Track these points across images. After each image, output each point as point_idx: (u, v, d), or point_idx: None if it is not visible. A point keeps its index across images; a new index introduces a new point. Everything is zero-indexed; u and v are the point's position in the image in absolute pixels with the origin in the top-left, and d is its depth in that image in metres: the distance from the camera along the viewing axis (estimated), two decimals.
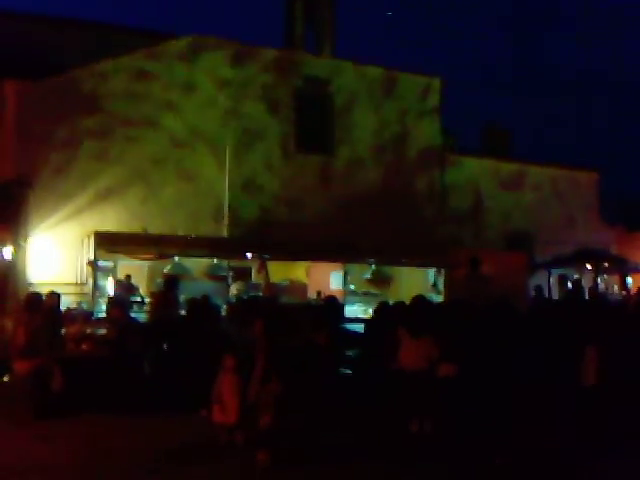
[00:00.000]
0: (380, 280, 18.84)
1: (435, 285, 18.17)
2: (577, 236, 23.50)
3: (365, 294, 18.46)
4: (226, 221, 18.60)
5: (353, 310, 16.51)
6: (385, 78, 21.99)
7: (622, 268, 22.40)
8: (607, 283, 23.31)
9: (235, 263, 16.88)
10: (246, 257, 16.08)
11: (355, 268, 18.48)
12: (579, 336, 9.23)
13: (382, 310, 11.46)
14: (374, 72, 21.84)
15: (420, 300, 10.20)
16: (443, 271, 18.40)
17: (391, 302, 13.48)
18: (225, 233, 18.44)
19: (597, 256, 20.99)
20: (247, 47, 19.69)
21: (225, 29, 66.33)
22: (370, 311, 14.48)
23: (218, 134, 18.91)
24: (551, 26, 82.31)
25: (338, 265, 18.11)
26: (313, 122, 20.73)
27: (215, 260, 16.49)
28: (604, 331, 8.90)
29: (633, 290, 20.84)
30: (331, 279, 18.76)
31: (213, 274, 16.46)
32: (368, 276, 18.67)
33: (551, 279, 21.20)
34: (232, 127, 19.14)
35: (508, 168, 24.78)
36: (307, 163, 20.37)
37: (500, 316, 11.75)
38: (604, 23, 78.61)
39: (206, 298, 12.17)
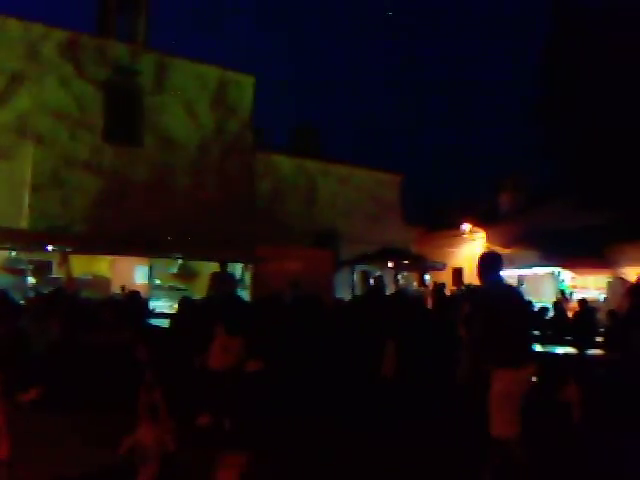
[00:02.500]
0: (186, 275, 18.67)
1: (242, 280, 18.25)
2: (380, 235, 24.53)
3: (171, 289, 18.19)
4: (26, 213, 17.57)
5: (159, 305, 16.18)
6: (196, 71, 21.79)
7: (421, 266, 23.69)
8: (407, 279, 24.56)
9: (35, 256, 16.04)
10: (47, 250, 15.28)
11: (161, 262, 18.16)
12: (379, 330, 9.60)
13: (186, 305, 11.25)
14: (185, 65, 21.58)
15: (235, 297, 10.14)
16: (250, 266, 18.56)
17: (197, 297, 13.36)
18: (25, 225, 17.40)
19: (398, 254, 22.04)
20: (47, 28, 18.75)
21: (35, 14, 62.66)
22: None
23: (21, 125, 17.86)
24: (364, 26, 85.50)
25: (143, 259, 17.70)
26: (121, 113, 20.08)
27: (13, 253, 15.56)
28: (402, 325, 9.29)
29: (431, 286, 22.07)
30: (136, 273, 18.29)
31: (11, 267, 15.55)
32: (174, 270, 18.42)
33: (355, 275, 21.99)
34: (36, 117, 18.14)
35: (316, 167, 25.44)
36: (114, 155, 19.71)
37: (307, 311, 11.99)
38: (416, 20, 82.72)
39: (3, 293, 11.37)
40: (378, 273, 20.35)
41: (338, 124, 71.60)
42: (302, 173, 25.04)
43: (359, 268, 22.05)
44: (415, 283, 24.58)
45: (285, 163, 24.73)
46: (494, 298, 6.01)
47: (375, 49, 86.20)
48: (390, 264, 21.47)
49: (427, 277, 24.15)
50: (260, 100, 23.67)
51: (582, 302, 14.44)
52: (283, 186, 24.22)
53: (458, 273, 25.62)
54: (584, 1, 15.97)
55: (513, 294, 6.37)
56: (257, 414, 8.42)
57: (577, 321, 13.71)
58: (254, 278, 18.55)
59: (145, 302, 14.20)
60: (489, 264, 6.24)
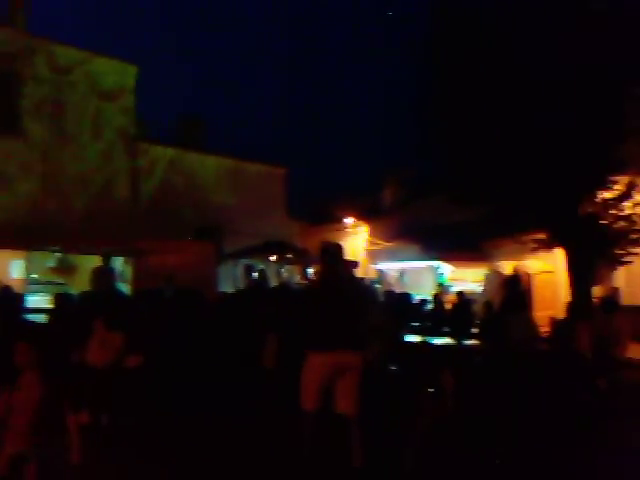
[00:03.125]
0: (65, 269, 17.97)
1: (122, 274, 17.73)
2: (264, 228, 24.45)
3: (49, 283, 17.45)
4: None
5: (35, 300, 15.44)
6: (79, 58, 21.01)
7: (304, 259, 23.76)
8: (290, 273, 24.59)
9: None
10: None
11: (38, 256, 17.39)
12: (261, 322, 9.54)
13: (63, 300, 10.77)
14: (66, 51, 20.77)
15: (114, 291, 9.76)
16: (130, 260, 18.07)
17: (76, 291, 12.84)
18: None
19: (281, 247, 22.02)
20: None
21: None
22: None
23: None
24: (252, 20, 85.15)
25: (19, 253, 16.88)
26: None
27: None
28: (284, 317, 9.25)
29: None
30: (11, 267, 17.41)
31: None
32: (52, 264, 17.68)
33: (238, 269, 21.77)
34: None
35: (199, 159, 25.07)
36: None
37: (186, 305, 11.78)
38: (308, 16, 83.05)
39: None
40: (261, 266, 20.25)
41: (225, 117, 70.96)
42: (185, 165, 24.60)
43: (242, 261, 21.86)
44: (298, 276, 24.65)
45: (168, 154, 24.20)
46: (315, 286, 6.71)
47: (263, 42, 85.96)
48: (273, 257, 21.42)
49: (310, 270, 24.25)
50: (147, 92, 23.14)
51: (459, 294, 14.88)
52: (166, 178, 23.70)
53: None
54: (463, 1, 16.40)
55: (340, 283, 6.51)
56: (139, 409, 8.22)
57: (454, 313, 14.10)
58: (135, 272, 18.04)
59: (19, 297, 13.50)
60: (322, 254, 6.57)
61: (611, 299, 11.86)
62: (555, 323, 10.43)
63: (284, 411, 7.44)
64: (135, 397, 8.90)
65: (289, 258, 22.67)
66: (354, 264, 23.52)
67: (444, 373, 6.73)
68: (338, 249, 6.66)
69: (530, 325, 9.41)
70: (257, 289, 14.05)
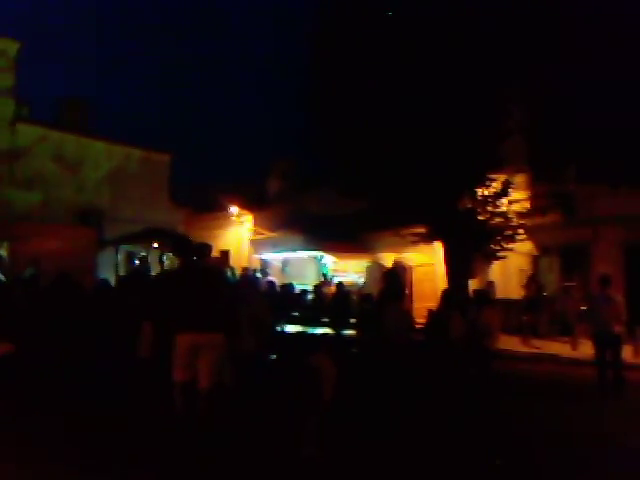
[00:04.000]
0: None
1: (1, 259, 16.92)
2: (148, 215, 23.90)
3: None
4: None
5: None
6: None
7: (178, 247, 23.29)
8: (172, 261, 24.11)
9: None
10: None
11: None
12: (137, 311, 9.31)
13: None
14: None
15: None
16: (6, 245, 17.27)
17: None
18: None
19: (164, 235, 21.59)
20: None
21: None
22: None
23: None
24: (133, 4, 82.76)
25: None
26: None
27: None
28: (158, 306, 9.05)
29: None
30: None
31: None
32: None
33: (119, 256, 21.22)
34: None
35: (81, 143, 24.21)
36: None
37: (61, 292, 11.35)
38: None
39: None
40: (143, 253, 19.81)
41: (112, 102, 68.91)
42: (66, 148, 23.66)
43: (124, 248, 21.29)
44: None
45: (49, 137, 23.18)
46: (173, 275, 7.89)
47: (146, 27, 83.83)
48: (155, 244, 20.97)
49: (165, 258, 23.84)
50: (30, 73, 22.14)
51: (338, 285, 15.04)
52: (45, 161, 22.72)
53: (225, 255, 25.68)
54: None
55: (196, 274, 7.26)
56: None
57: (334, 303, 14.25)
58: (11, 257, 17.21)
59: None
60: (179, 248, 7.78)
61: (484, 292, 12.31)
62: (430, 314, 10.70)
63: (158, 399, 7.36)
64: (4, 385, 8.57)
65: (171, 246, 22.22)
66: (223, 258, 23.52)
67: (321, 359, 6.79)
68: (202, 246, 7.62)
69: (405, 316, 9.60)
70: (137, 276, 13.74)
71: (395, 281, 10.97)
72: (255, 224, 27.26)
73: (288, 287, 15.10)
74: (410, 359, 8.97)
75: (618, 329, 10.56)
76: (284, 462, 6.30)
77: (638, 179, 14.49)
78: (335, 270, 22.44)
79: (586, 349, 15.15)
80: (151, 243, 20.78)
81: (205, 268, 7.47)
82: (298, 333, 10.89)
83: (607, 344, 10.57)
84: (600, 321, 10.62)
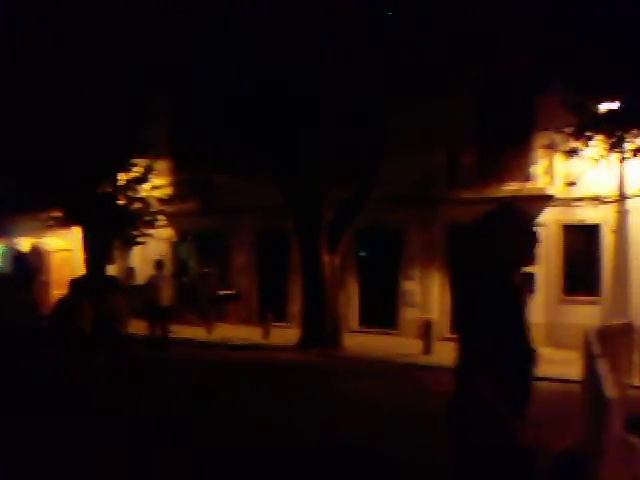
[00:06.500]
0: None
1: None
2: None
3: None
4: None
5: None
6: None
7: None
8: None
9: None
10: None
11: None
12: None
13: None
14: None
15: None
16: None
17: None
18: None
19: None
20: None
21: None
22: None
23: None
24: None
25: None
26: None
27: None
28: None
29: None
30: None
31: None
32: None
33: None
34: None
35: None
36: None
37: None
38: None
39: None
40: None
41: None
42: None
43: None
44: None
45: None
46: None
47: None
48: None
49: None
50: None
51: None
52: None
53: None
54: None
55: None
56: None
57: None
58: None
59: None
60: None
61: (111, 279, 12.32)
62: (58, 302, 10.35)
63: None
64: None
65: None
66: None
67: None
68: None
69: (32, 302, 9.19)
70: None
71: (24, 266, 10.48)
72: None
73: None
74: (34, 346, 8.62)
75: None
76: None
77: (271, 171, 15.32)
78: None
79: (221, 332, 16.02)
80: None
81: None
82: None
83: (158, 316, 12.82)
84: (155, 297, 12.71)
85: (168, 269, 18.32)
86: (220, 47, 12.77)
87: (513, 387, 2.50)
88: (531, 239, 2.71)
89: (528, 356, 2.60)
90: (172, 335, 15.77)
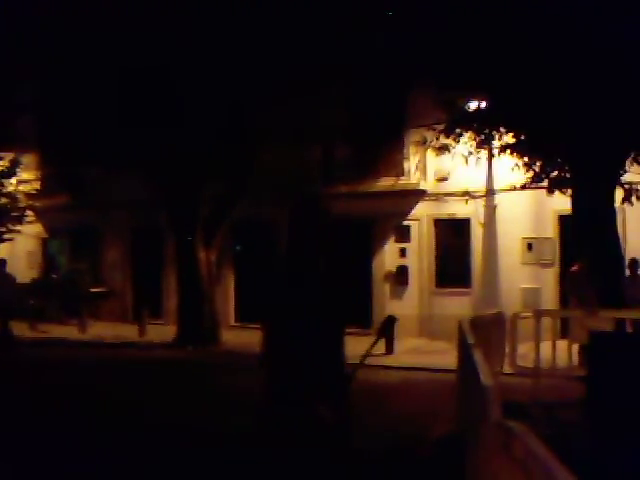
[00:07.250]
0: None
1: None
2: None
3: None
4: None
5: None
6: None
7: None
8: None
9: None
10: None
11: None
12: None
13: None
14: None
15: None
16: None
17: None
18: None
19: None
20: None
21: None
22: None
23: None
24: None
25: None
26: None
27: None
28: None
29: None
30: None
31: None
32: None
33: None
34: None
35: None
36: None
37: None
38: None
39: None
40: None
41: None
42: None
43: None
44: None
45: None
46: None
47: None
48: None
49: None
50: None
51: None
52: None
53: None
54: None
55: None
56: None
57: None
58: None
59: None
60: None
61: None
62: None
63: None
64: None
65: None
66: None
67: None
68: None
69: None
70: None
71: None
72: None
73: None
74: None
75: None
76: None
77: (143, 164, 14.88)
78: None
79: (95, 330, 15.50)
80: None
81: None
82: None
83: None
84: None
85: (37, 266, 17.63)
86: (83, 32, 12.29)
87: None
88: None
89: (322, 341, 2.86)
90: (44, 335, 15.18)
